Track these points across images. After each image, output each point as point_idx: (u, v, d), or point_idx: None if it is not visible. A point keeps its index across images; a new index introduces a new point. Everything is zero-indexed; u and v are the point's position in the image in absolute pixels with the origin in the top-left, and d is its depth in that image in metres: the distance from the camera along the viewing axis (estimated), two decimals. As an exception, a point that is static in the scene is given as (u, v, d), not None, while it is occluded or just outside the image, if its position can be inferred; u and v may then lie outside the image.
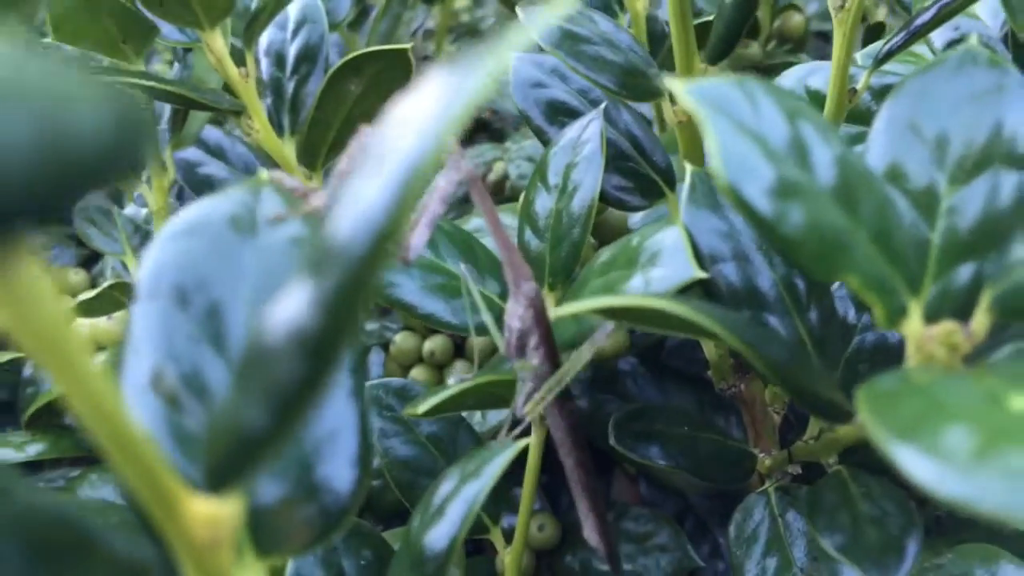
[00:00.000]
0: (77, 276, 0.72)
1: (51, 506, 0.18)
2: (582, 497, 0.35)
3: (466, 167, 0.42)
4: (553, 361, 0.34)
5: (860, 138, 0.42)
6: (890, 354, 0.37)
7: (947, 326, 0.24)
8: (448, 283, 0.40)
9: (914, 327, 0.24)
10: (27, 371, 0.64)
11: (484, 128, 1.02)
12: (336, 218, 0.16)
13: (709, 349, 0.44)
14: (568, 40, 0.37)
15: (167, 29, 0.48)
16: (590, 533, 0.35)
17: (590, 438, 0.41)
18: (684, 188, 0.33)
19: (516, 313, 0.33)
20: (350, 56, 0.48)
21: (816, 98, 0.42)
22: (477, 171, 0.38)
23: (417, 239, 0.42)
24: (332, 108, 0.50)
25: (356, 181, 0.16)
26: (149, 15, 0.44)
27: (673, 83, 0.23)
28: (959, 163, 0.26)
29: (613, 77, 0.37)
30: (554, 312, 0.32)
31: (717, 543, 0.53)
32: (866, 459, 0.33)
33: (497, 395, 0.37)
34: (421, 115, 0.15)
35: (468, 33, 1.09)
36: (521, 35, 0.15)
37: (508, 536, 0.42)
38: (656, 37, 0.57)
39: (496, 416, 0.50)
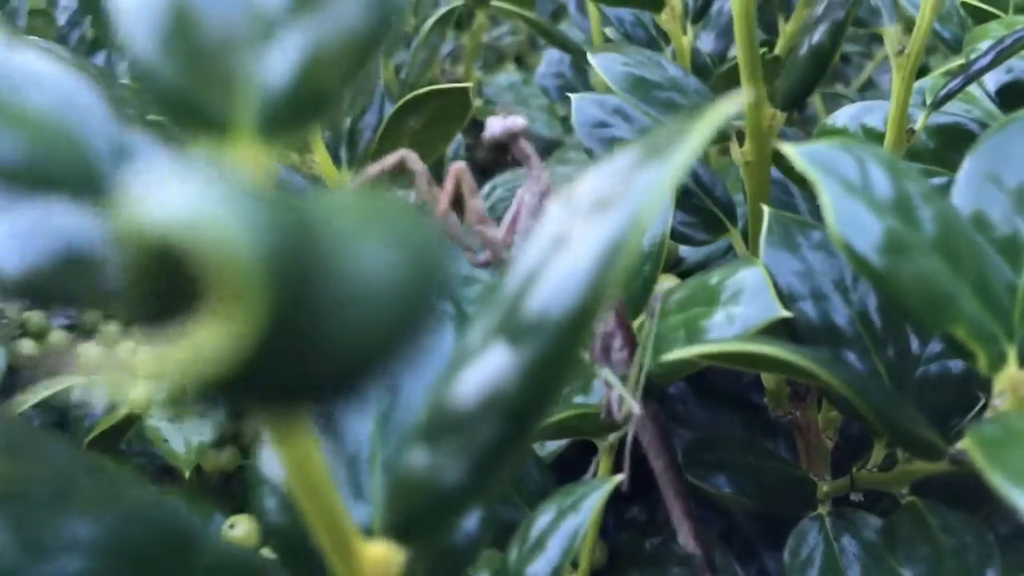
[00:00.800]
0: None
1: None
2: (676, 503, 0.36)
3: (547, 179, 0.43)
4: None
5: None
6: (953, 383, 0.39)
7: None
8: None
9: (1011, 372, 0.25)
10: (76, 394, 0.65)
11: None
12: (526, 284, 0.17)
13: (767, 378, 0.45)
14: (640, 85, 0.39)
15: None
16: (686, 539, 0.37)
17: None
18: (763, 230, 0.34)
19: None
20: (413, 95, 0.49)
21: (872, 136, 0.43)
22: (551, 181, 0.39)
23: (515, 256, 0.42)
24: (392, 143, 0.51)
25: (544, 248, 0.18)
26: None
27: (785, 147, 0.24)
28: (1042, 213, 0.28)
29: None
30: (653, 356, 0.33)
31: (764, 566, 0.54)
32: (939, 490, 0.35)
33: (575, 427, 0.39)
34: (620, 191, 0.16)
35: (491, 54, 1.10)
36: (714, 117, 0.17)
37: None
38: (699, 69, 0.59)
39: (552, 443, 0.52)
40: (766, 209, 0.35)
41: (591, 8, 0.73)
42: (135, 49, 0.15)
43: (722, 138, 0.39)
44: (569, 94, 0.47)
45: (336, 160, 0.54)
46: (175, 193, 0.08)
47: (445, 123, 0.51)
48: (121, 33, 0.15)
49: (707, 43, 0.64)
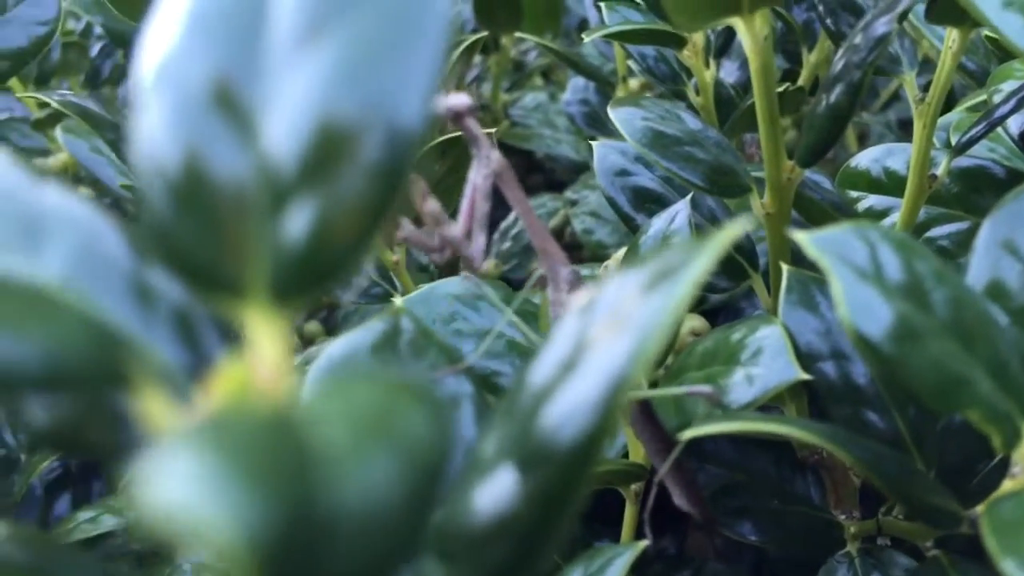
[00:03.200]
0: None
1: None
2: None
3: (496, 158, 0.43)
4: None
5: (940, 219, 0.43)
6: (974, 436, 0.39)
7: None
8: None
9: (1025, 450, 0.26)
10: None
11: (538, 169, 1.04)
12: (539, 402, 0.18)
13: (792, 414, 0.45)
14: (658, 140, 0.39)
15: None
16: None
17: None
18: (782, 289, 0.35)
19: (559, 300, 0.35)
20: (438, 140, 0.50)
21: (894, 179, 0.43)
22: (503, 161, 0.40)
23: (476, 245, 0.43)
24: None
25: (558, 359, 0.18)
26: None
27: (797, 235, 0.25)
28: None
29: (702, 175, 0.39)
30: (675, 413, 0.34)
31: (796, 598, 0.54)
32: (963, 543, 0.35)
33: (600, 478, 0.39)
34: (629, 314, 0.17)
35: (516, 71, 1.11)
36: (720, 242, 0.17)
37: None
38: (723, 101, 0.59)
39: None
40: (785, 268, 0.35)
41: (616, 36, 0.74)
42: (150, 207, 0.16)
43: (743, 191, 0.40)
44: (592, 140, 0.47)
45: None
46: (174, 478, 0.08)
47: (468, 167, 0.51)
48: (138, 188, 0.16)
49: (730, 73, 0.64)
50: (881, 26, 0.33)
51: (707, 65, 0.57)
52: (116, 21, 0.81)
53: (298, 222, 0.15)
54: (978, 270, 0.29)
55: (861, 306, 0.24)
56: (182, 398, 0.16)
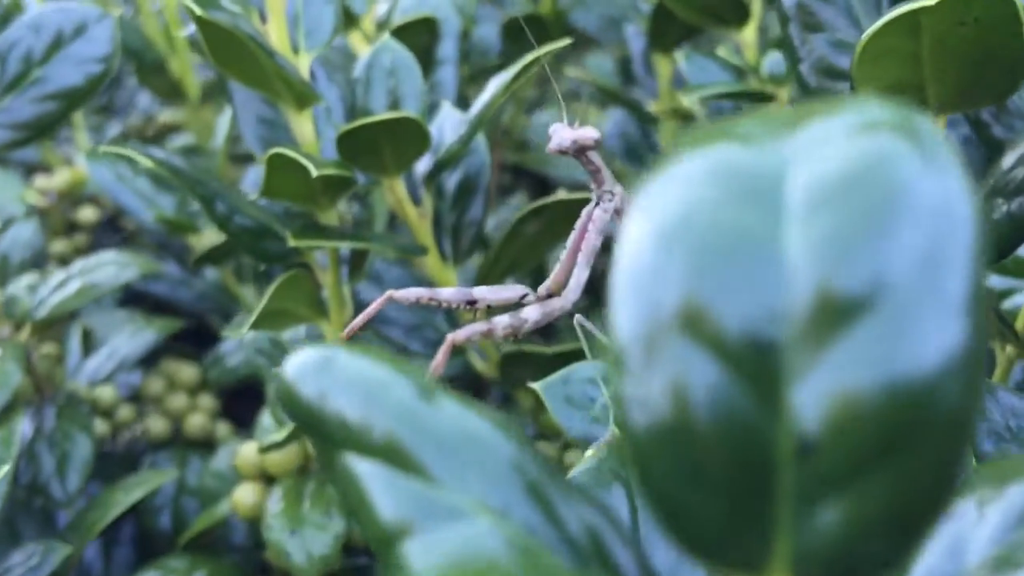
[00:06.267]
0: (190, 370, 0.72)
1: None
2: None
3: (621, 192, 0.42)
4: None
5: None
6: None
7: None
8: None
9: None
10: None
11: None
12: None
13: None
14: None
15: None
16: None
17: None
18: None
19: None
20: (533, 206, 0.49)
21: None
22: (628, 196, 0.40)
23: (578, 278, 0.42)
24: (511, 247, 0.51)
25: None
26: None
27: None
28: None
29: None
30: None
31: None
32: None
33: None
34: None
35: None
36: None
37: None
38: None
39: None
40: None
41: (661, 65, 0.73)
42: (644, 459, 0.15)
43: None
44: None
45: (442, 255, 0.54)
46: None
47: (562, 227, 0.50)
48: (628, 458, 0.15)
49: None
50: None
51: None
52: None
53: (833, 511, 0.14)
54: None
55: None
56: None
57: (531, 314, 0.41)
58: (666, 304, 0.15)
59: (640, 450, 0.15)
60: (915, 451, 0.13)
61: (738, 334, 0.14)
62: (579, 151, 0.43)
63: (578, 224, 0.44)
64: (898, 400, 0.13)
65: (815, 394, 0.14)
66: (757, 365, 0.14)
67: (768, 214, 0.15)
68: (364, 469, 0.18)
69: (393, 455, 0.18)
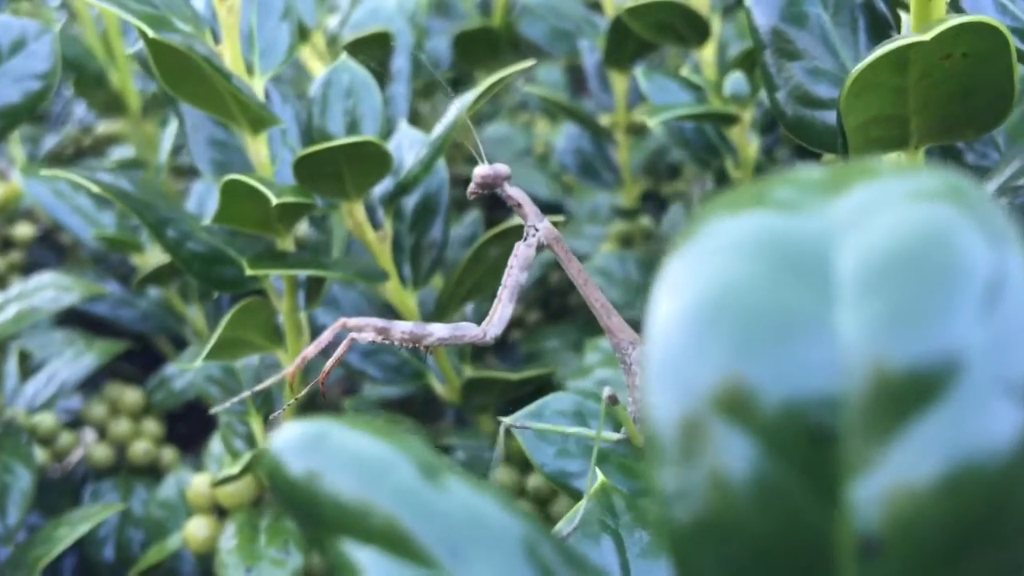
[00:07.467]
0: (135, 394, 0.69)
1: None
2: None
3: (545, 227, 0.42)
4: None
5: None
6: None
7: None
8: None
9: None
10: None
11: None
12: None
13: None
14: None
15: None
16: None
17: None
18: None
19: (633, 384, 0.36)
20: (494, 232, 0.48)
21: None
22: (553, 231, 0.40)
23: (501, 314, 0.42)
24: (473, 271, 0.50)
25: None
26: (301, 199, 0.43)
27: None
28: None
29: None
30: None
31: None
32: None
33: None
34: None
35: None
36: None
37: None
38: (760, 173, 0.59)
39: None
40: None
41: (617, 81, 0.72)
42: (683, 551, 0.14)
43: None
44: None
45: (401, 279, 0.52)
46: None
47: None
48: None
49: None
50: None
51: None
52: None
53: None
54: None
55: None
56: None
57: (438, 331, 0.40)
58: (706, 386, 0.14)
59: (681, 547, 0.14)
60: (993, 548, 0.13)
61: (787, 421, 0.13)
62: (493, 188, 0.43)
63: (510, 261, 0.44)
64: (972, 492, 0.13)
65: (879, 488, 0.13)
66: (811, 455, 0.13)
67: (817, 290, 0.14)
68: (363, 557, 0.17)
69: (394, 541, 0.16)
